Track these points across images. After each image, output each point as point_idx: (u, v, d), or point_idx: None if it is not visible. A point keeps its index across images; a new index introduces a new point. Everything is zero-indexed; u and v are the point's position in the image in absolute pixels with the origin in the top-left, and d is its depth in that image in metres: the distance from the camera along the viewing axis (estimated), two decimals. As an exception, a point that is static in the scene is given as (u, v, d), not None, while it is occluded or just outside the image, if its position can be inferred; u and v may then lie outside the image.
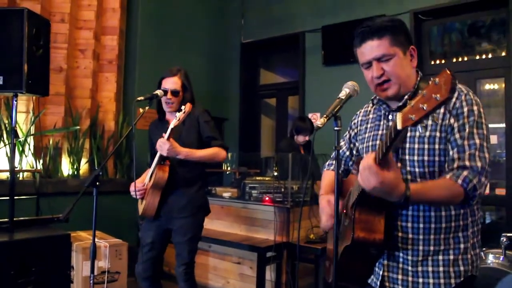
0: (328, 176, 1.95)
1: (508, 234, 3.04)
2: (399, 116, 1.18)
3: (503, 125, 4.56)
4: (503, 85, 4.65)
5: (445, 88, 1.08)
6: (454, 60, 5.04)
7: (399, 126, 1.18)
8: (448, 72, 1.09)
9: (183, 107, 2.63)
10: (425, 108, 1.12)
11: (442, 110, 1.50)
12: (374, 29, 1.54)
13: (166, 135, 2.67)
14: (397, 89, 1.57)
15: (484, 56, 4.86)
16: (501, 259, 2.95)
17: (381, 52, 1.53)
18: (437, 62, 5.12)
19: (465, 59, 4.96)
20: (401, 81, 1.56)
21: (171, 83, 2.89)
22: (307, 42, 6.01)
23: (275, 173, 4.35)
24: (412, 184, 1.39)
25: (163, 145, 2.67)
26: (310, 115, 5.87)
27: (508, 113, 4.52)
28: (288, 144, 4.71)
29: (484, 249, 3.08)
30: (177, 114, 2.63)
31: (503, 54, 4.67)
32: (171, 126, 2.63)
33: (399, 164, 1.53)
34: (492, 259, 2.97)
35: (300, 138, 4.60)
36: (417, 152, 1.52)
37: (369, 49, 1.55)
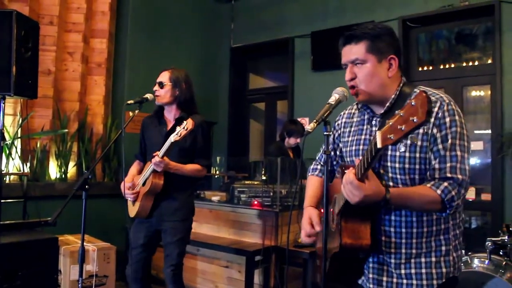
0: (312, 183, 1.98)
1: (493, 239, 3.08)
2: (378, 135, 1.22)
3: (489, 131, 4.63)
4: (489, 92, 4.72)
5: (422, 111, 1.13)
6: (441, 67, 5.11)
7: (379, 145, 1.23)
8: (424, 94, 1.13)
9: (185, 122, 2.63)
10: (403, 129, 1.17)
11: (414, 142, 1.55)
12: (354, 34, 1.60)
13: (161, 153, 2.71)
14: (366, 96, 1.61)
15: (470, 63, 4.93)
16: (486, 263, 2.99)
17: (355, 56, 1.59)
18: (425, 68, 5.18)
19: (452, 66, 5.03)
20: (370, 89, 1.59)
21: (160, 76, 2.99)
22: (296, 47, 6.05)
23: (264, 177, 4.37)
24: (392, 189, 1.46)
25: (159, 164, 2.73)
26: (299, 120, 5.90)
27: (494, 120, 4.59)
28: (278, 147, 4.74)
29: (469, 253, 3.12)
30: (178, 128, 2.64)
31: (489, 61, 4.76)
32: (171, 140, 2.65)
33: (381, 171, 1.58)
34: (477, 263, 3.01)
35: (292, 141, 4.63)
36: (399, 160, 1.56)
37: (347, 51, 1.62)
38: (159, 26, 5.65)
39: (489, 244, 3.02)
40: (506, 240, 3.08)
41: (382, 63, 1.59)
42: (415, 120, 1.14)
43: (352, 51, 1.59)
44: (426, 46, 5.26)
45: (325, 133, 1.49)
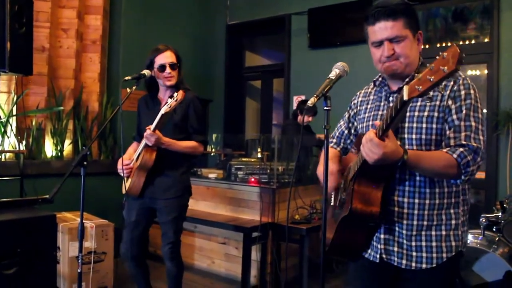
0: (329, 151, 1.98)
1: (487, 215, 3.13)
2: (405, 88, 1.23)
3: (485, 110, 4.65)
4: (486, 71, 4.73)
5: (453, 61, 1.13)
6: (438, 45, 5.09)
7: (405, 97, 1.23)
8: (456, 46, 1.14)
9: (175, 94, 2.63)
10: (432, 80, 1.17)
11: (440, 92, 1.56)
12: (389, 10, 1.58)
13: (153, 125, 2.67)
14: (403, 68, 1.62)
15: (467, 42, 4.92)
16: (479, 238, 3.04)
17: (395, 34, 1.58)
18: (422, 47, 5.16)
19: (449, 44, 5.02)
20: (409, 61, 1.62)
21: (166, 57, 2.87)
22: (293, 25, 6.00)
23: (259, 155, 4.40)
24: (410, 150, 1.47)
25: (150, 137, 2.69)
26: (295, 98, 5.90)
27: (490, 99, 4.61)
28: (293, 123, 5.00)
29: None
30: (169, 100, 2.63)
31: (486, 40, 4.74)
32: (162, 112, 2.63)
33: (398, 142, 1.57)
34: (471, 238, 3.06)
35: (304, 119, 4.80)
36: (415, 131, 1.59)
37: (383, 28, 1.59)
38: (154, 2, 5.58)
39: (483, 221, 3.07)
40: (499, 217, 3.13)
41: (415, 38, 1.63)
42: (445, 70, 1.14)
43: (391, 28, 1.57)
44: (423, 25, 5.23)
45: (325, 108, 1.50)
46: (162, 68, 2.85)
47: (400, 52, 1.59)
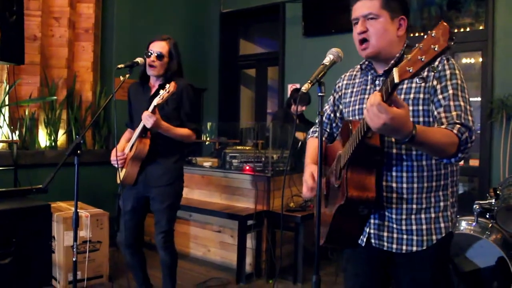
0: (312, 143, 1.99)
1: (481, 202, 3.15)
2: (395, 70, 1.20)
3: (479, 98, 4.66)
4: (480, 59, 4.73)
5: (444, 39, 1.10)
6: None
7: (396, 79, 1.19)
8: (445, 23, 1.11)
9: (167, 85, 2.61)
10: (423, 60, 1.14)
11: (425, 73, 1.53)
12: None
13: (150, 109, 2.66)
14: (375, 51, 1.62)
15: (462, 30, 4.91)
16: (473, 225, 3.06)
17: (369, 10, 1.59)
18: (416, 35, 5.15)
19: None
20: (380, 43, 1.61)
21: (158, 46, 2.87)
22: (287, 12, 5.96)
23: (255, 142, 4.40)
24: (417, 125, 1.37)
25: (149, 119, 2.66)
26: (289, 86, 5.89)
27: (484, 87, 4.61)
28: (285, 112, 4.95)
29: (457, 216, 3.19)
30: (161, 91, 2.62)
31: (481, 27, 4.73)
32: (154, 103, 2.63)
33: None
34: (465, 225, 3.08)
35: (298, 108, 4.79)
36: (412, 120, 1.55)
37: (360, 6, 1.62)
38: (147, -10, 5.52)
39: (477, 207, 3.08)
40: (492, 204, 3.15)
41: (393, 21, 1.61)
42: (436, 49, 1.11)
43: (366, 5, 1.60)
44: (418, 13, 5.21)
45: (319, 94, 1.49)
46: (148, 54, 2.85)
47: (372, 31, 1.60)
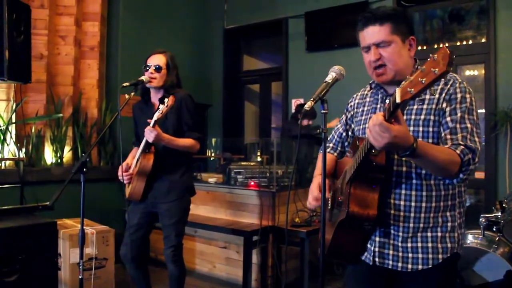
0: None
1: (487, 215, 3.13)
2: (398, 90, 1.22)
3: (483, 110, 4.67)
4: (483, 71, 4.74)
5: (443, 63, 1.12)
6: (435, 46, 5.11)
7: (398, 100, 1.22)
8: (446, 48, 1.13)
9: (166, 99, 2.65)
10: (423, 82, 1.16)
11: (437, 95, 1.57)
12: (377, 16, 1.60)
13: (152, 123, 2.70)
14: (392, 75, 1.62)
15: (464, 42, 4.94)
16: (479, 239, 3.04)
17: (381, 38, 1.59)
18: (419, 48, 5.18)
19: (446, 45, 5.03)
20: (397, 67, 1.61)
21: (155, 59, 2.93)
22: (290, 28, 6.02)
23: (259, 158, 4.41)
24: (418, 139, 1.40)
25: (150, 133, 2.70)
26: (293, 101, 5.92)
27: (488, 99, 4.62)
28: (295, 123, 4.99)
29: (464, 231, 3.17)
30: (160, 106, 2.66)
31: (483, 40, 4.76)
32: (155, 118, 2.67)
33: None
34: (471, 239, 3.07)
35: (304, 122, 4.78)
36: (412, 135, 1.57)
37: (370, 34, 1.61)
38: (151, 7, 5.60)
39: (483, 221, 3.07)
40: (499, 217, 3.13)
41: (405, 43, 1.63)
42: (436, 72, 1.14)
43: (377, 33, 1.60)
44: (420, 26, 5.25)
45: (322, 111, 1.51)
46: (146, 68, 2.90)
47: (387, 57, 1.60)
